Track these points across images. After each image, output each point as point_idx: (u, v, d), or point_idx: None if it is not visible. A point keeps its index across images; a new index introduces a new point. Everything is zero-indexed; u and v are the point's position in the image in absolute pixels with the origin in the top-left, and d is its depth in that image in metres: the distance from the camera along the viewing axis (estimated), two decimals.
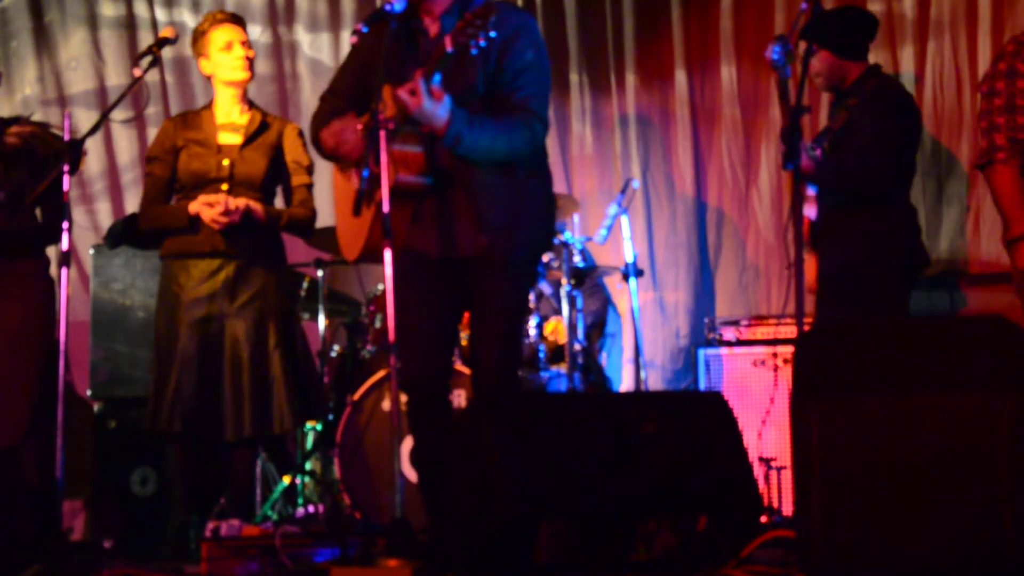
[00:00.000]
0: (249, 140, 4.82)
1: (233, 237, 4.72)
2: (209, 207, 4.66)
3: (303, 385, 4.84)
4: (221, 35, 4.81)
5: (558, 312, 5.85)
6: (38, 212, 4.67)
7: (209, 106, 4.91)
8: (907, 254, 4.75)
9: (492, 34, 3.58)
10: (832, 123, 4.90)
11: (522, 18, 3.93)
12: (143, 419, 4.79)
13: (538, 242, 3.98)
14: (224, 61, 4.82)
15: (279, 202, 4.99)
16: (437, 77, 3.64)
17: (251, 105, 4.93)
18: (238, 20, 4.91)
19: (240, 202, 4.68)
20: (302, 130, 4.95)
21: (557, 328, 5.80)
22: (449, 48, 3.59)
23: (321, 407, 4.99)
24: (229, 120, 4.86)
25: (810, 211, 4.86)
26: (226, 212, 4.65)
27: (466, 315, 4.11)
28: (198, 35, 4.86)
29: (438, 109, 3.64)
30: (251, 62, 4.87)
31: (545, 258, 5.76)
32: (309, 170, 4.93)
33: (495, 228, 3.82)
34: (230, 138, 4.83)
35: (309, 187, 4.92)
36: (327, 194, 6.84)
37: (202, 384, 4.68)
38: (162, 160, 4.83)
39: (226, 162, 4.77)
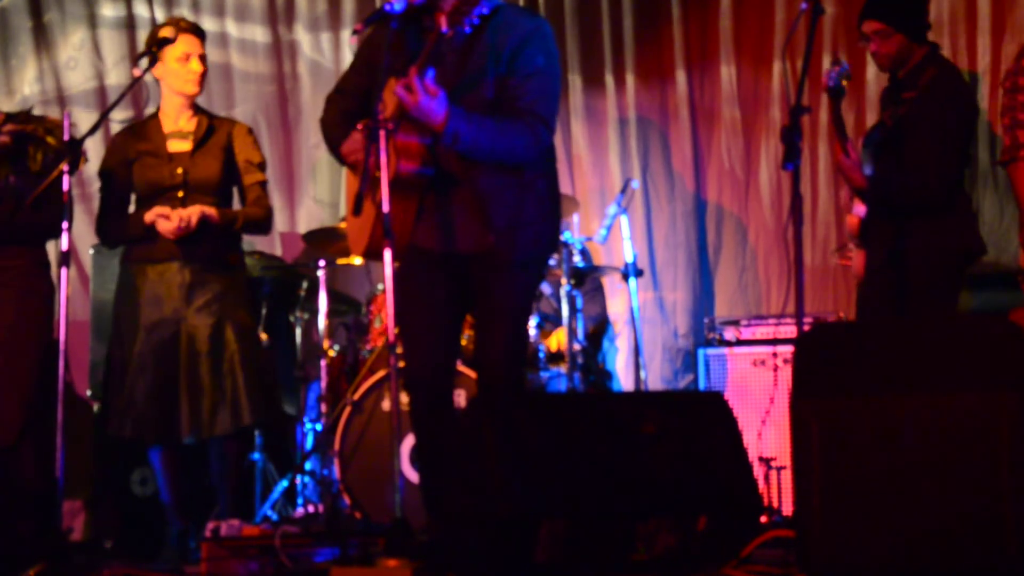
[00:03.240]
0: (198, 145, 4.84)
1: (189, 244, 4.74)
2: (165, 219, 4.69)
3: (263, 385, 4.84)
4: (181, 45, 4.76)
5: (558, 313, 5.85)
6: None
7: (156, 115, 4.91)
8: (965, 242, 4.56)
9: (485, 11, 3.60)
10: (885, 116, 4.71)
11: (536, 23, 3.94)
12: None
13: (544, 242, 3.98)
14: (179, 72, 4.81)
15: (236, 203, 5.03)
16: (431, 72, 3.65)
17: (197, 110, 4.93)
18: (199, 32, 4.87)
19: (194, 211, 4.70)
20: (251, 128, 5.03)
21: (560, 339, 5.79)
22: (444, 28, 3.60)
23: (273, 412, 4.99)
24: (177, 127, 4.87)
25: (859, 208, 4.75)
26: (181, 226, 4.67)
27: (468, 317, 4.12)
28: (153, 36, 4.79)
29: (434, 105, 3.65)
30: (203, 77, 4.86)
31: None
32: (262, 167, 4.97)
33: (502, 227, 3.83)
34: (179, 145, 4.84)
35: (263, 184, 4.96)
36: (329, 195, 6.87)
37: (157, 387, 4.70)
38: (116, 174, 4.84)
39: (179, 170, 4.79)
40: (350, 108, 4.02)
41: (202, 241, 4.74)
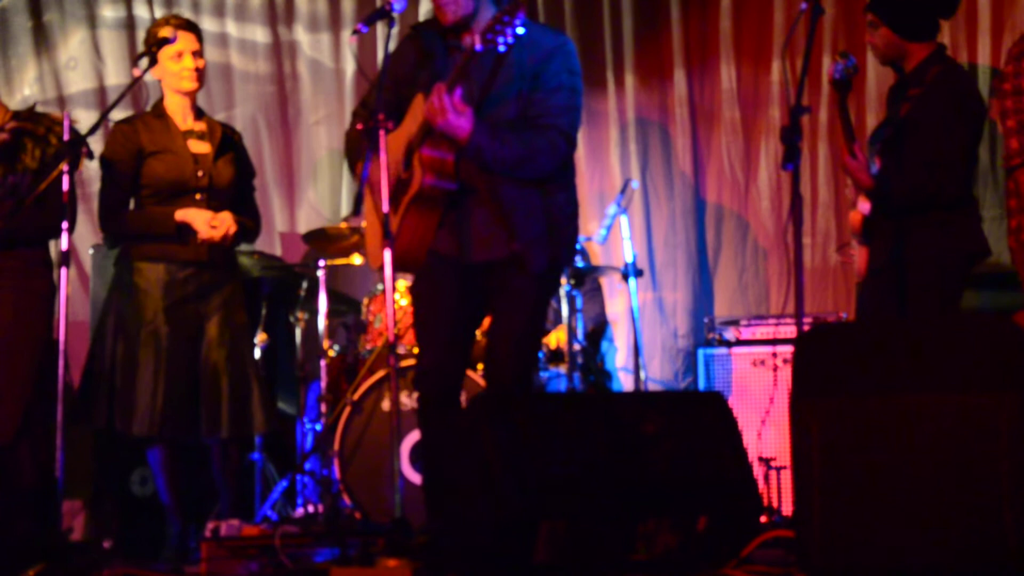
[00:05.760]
0: (220, 150, 4.85)
1: (217, 249, 4.75)
2: (210, 226, 4.68)
3: (270, 390, 4.92)
4: (176, 43, 4.70)
5: (557, 314, 5.85)
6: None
7: (162, 111, 4.87)
8: (969, 244, 4.52)
9: (520, 31, 3.62)
10: (892, 113, 4.67)
11: (560, 40, 4.00)
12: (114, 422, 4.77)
13: (561, 254, 4.02)
14: (173, 69, 4.79)
15: None
16: (458, 92, 3.73)
17: (200, 114, 4.93)
18: (193, 28, 4.85)
19: (229, 218, 4.72)
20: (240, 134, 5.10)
21: (559, 337, 5.80)
22: (478, 46, 3.63)
23: (277, 417, 5.04)
24: (188, 127, 4.86)
25: (863, 205, 4.74)
26: (229, 233, 4.70)
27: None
28: (150, 36, 4.77)
29: (461, 121, 3.73)
30: (200, 72, 4.83)
31: None
32: (254, 176, 5.09)
33: (522, 238, 3.88)
34: (200, 147, 4.83)
35: (254, 193, 5.05)
36: (329, 195, 6.87)
37: (181, 387, 4.70)
38: (126, 164, 4.79)
39: (200, 172, 4.78)
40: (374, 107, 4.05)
41: (220, 245, 4.77)
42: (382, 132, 3.76)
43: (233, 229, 4.72)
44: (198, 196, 4.77)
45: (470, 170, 3.86)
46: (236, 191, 4.88)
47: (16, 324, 4.53)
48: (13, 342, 4.52)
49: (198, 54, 4.83)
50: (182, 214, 4.71)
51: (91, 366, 4.82)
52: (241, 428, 4.78)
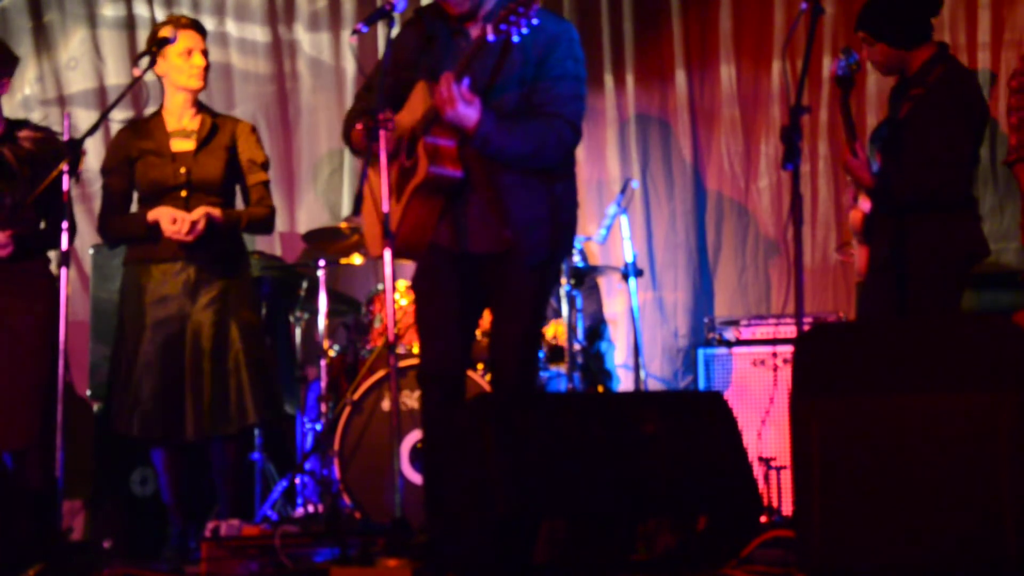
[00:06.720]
0: (202, 145, 4.84)
1: (194, 244, 4.72)
2: (172, 223, 4.66)
3: (266, 384, 4.84)
4: (183, 41, 4.75)
5: (557, 312, 5.85)
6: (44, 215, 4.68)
7: (159, 112, 4.90)
8: (969, 244, 4.52)
9: (535, 22, 3.60)
10: (893, 113, 4.66)
11: (564, 26, 3.98)
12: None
13: (561, 244, 4.01)
14: (182, 67, 4.81)
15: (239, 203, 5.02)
16: (466, 81, 3.70)
17: (200, 108, 4.93)
18: (200, 28, 4.88)
19: (200, 214, 4.68)
20: (255, 127, 5.02)
21: (557, 331, 5.80)
22: (490, 36, 3.62)
23: (275, 411, 5.00)
24: (180, 126, 4.87)
25: (864, 204, 4.70)
26: (185, 229, 4.66)
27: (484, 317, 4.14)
28: (158, 38, 4.77)
29: (470, 111, 3.72)
30: (206, 71, 4.86)
31: None
32: (265, 167, 4.97)
33: (521, 227, 3.86)
34: (183, 144, 4.84)
35: (266, 184, 4.96)
36: (329, 195, 6.86)
37: (163, 385, 4.71)
38: (118, 172, 4.85)
39: (182, 169, 4.78)
40: (375, 106, 4.04)
41: (206, 241, 4.73)
42: (382, 132, 3.75)
43: (187, 226, 4.66)
44: (183, 194, 4.78)
45: (470, 158, 3.84)
46: (226, 184, 4.86)
47: (31, 331, 4.54)
48: (30, 349, 4.53)
49: (205, 53, 4.85)
50: (152, 213, 4.72)
51: (110, 373, 4.88)
52: (225, 425, 4.75)
